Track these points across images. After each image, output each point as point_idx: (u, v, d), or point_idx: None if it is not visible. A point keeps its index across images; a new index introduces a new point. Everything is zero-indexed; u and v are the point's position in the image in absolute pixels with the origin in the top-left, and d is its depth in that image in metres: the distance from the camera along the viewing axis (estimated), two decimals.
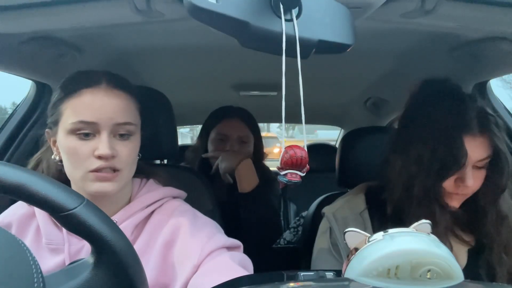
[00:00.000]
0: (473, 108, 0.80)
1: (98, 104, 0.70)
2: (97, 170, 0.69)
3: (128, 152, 0.73)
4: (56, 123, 0.73)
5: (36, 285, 0.36)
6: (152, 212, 0.78)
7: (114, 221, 0.72)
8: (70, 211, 0.42)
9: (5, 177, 0.41)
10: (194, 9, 0.45)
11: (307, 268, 0.98)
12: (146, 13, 0.68)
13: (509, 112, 1.28)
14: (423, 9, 0.67)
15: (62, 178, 0.74)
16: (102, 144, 0.69)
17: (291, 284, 0.55)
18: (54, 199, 0.42)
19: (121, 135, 0.73)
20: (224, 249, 0.74)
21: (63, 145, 0.71)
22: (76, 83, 0.72)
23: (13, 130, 1.22)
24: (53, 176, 0.75)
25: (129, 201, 0.79)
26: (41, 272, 0.38)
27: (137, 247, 0.70)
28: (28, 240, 0.75)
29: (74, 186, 0.74)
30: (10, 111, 1.45)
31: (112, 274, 0.45)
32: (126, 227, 0.74)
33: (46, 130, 0.77)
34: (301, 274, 0.65)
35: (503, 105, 1.29)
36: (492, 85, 1.25)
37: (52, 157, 0.75)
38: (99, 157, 0.69)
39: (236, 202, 1.30)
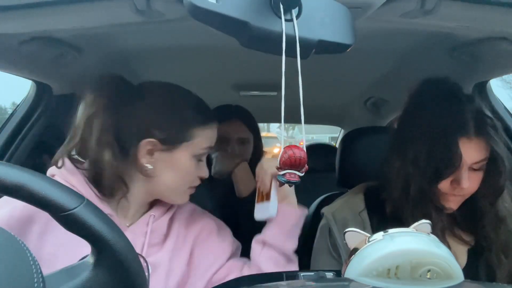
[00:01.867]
0: (470, 109, 0.80)
1: (215, 136, 0.84)
2: (193, 187, 0.83)
3: None
4: (178, 142, 0.77)
5: (36, 285, 0.36)
6: (174, 212, 0.85)
7: (153, 215, 0.79)
8: (70, 211, 0.42)
9: (5, 177, 0.41)
10: (194, 9, 0.45)
11: (307, 268, 0.98)
12: (146, 13, 0.68)
13: (509, 112, 1.28)
14: (423, 9, 0.67)
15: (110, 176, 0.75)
16: (205, 167, 0.83)
17: (291, 284, 0.55)
18: (54, 199, 0.42)
19: None
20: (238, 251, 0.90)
21: (183, 163, 0.78)
22: (208, 115, 0.82)
23: (13, 130, 1.22)
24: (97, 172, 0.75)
25: (156, 201, 0.85)
26: (41, 272, 0.38)
27: (171, 241, 0.80)
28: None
29: (158, 195, 0.81)
30: (10, 111, 1.45)
31: (112, 274, 0.45)
32: (163, 221, 0.81)
33: (149, 140, 0.74)
34: (301, 274, 0.65)
35: (503, 105, 1.29)
36: (492, 85, 1.25)
37: (146, 164, 0.76)
38: (201, 178, 0.83)
39: (234, 205, 1.30)
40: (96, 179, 0.75)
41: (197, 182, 0.83)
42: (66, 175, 0.74)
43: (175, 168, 0.78)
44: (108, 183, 0.74)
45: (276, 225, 0.83)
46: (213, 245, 0.84)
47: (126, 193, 0.77)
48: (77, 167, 0.76)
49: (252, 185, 1.25)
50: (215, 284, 0.77)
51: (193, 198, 0.89)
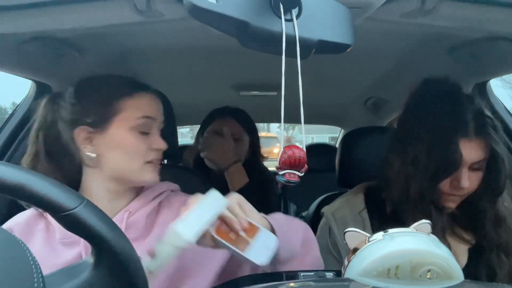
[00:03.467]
0: (470, 109, 0.80)
1: (154, 103, 0.81)
2: (151, 161, 0.79)
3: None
4: (108, 119, 0.76)
5: (36, 285, 0.36)
6: (159, 204, 0.83)
7: (128, 211, 0.78)
8: (70, 211, 0.42)
9: (5, 177, 0.41)
10: (194, 9, 0.45)
11: None
12: (146, 13, 0.68)
13: (509, 112, 1.28)
14: (423, 9, 0.67)
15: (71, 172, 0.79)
16: (158, 138, 0.80)
17: (291, 284, 0.55)
18: (54, 199, 0.42)
19: (161, 131, 0.83)
20: None
21: (122, 138, 0.76)
22: (131, 86, 0.80)
23: (13, 130, 1.22)
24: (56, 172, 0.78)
25: (135, 196, 0.83)
26: (41, 272, 0.38)
27: (154, 236, 0.77)
28: (38, 239, 0.77)
29: (99, 184, 0.79)
30: (10, 111, 1.44)
31: (112, 274, 0.45)
32: (140, 215, 0.79)
33: (80, 128, 0.76)
34: (301, 274, 0.65)
35: (503, 105, 1.29)
36: (492, 85, 1.25)
37: (88, 153, 0.76)
38: (156, 150, 0.80)
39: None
40: None
41: (153, 156, 0.79)
42: None
43: (118, 146, 0.77)
44: None
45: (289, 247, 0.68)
46: None
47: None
48: None
49: (243, 181, 1.36)
50: (230, 271, 0.75)
51: (193, 189, 0.90)
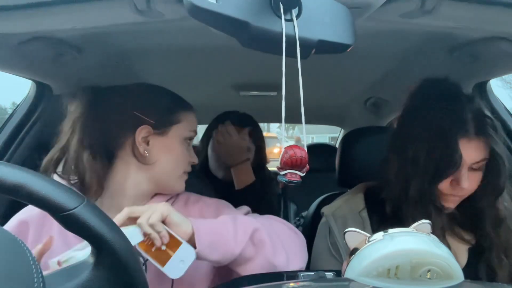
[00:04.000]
0: (470, 110, 0.80)
1: (196, 122, 0.91)
2: (185, 172, 0.87)
3: None
4: (169, 125, 0.84)
5: (36, 285, 0.36)
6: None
7: None
8: (70, 211, 0.43)
9: (5, 177, 0.41)
10: (194, 9, 0.45)
11: (307, 268, 0.98)
12: (146, 13, 0.68)
13: (509, 112, 1.28)
14: (423, 9, 0.67)
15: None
16: (193, 152, 0.90)
17: (291, 284, 0.55)
18: (54, 199, 0.42)
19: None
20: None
21: (176, 146, 0.85)
22: (187, 102, 0.90)
23: (13, 130, 1.21)
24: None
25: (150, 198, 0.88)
26: (41, 272, 0.38)
27: None
28: (54, 232, 0.78)
29: (157, 183, 0.84)
30: (10, 111, 1.45)
31: (112, 274, 0.45)
32: None
33: (144, 126, 0.81)
34: (301, 274, 0.65)
35: (503, 105, 1.29)
36: (492, 85, 1.25)
37: (143, 150, 0.81)
38: (192, 163, 0.89)
39: (234, 199, 1.33)
40: (80, 183, 0.81)
41: (188, 168, 0.88)
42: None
43: (170, 151, 0.84)
44: (87, 185, 0.80)
45: (211, 251, 0.70)
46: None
47: (99, 195, 0.82)
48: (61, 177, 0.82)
49: (249, 179, 1.39)
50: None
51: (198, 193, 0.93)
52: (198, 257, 0.69)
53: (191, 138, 0.89)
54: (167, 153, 0.84)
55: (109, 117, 0.82)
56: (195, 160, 0.89)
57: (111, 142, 0.82)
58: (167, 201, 0.86)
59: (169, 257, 0.67)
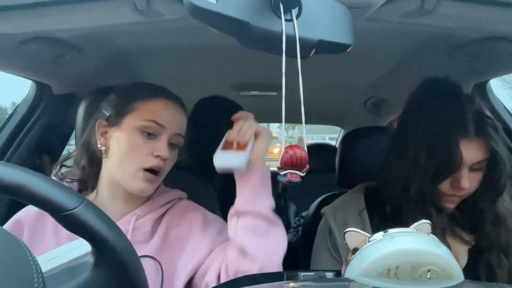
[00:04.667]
0: (470, 110, 0.80)
1: (171, 112, 0.82)
2: (147, 169, 0.78)
3: (172, 160, 0.84)
4: (121, 116, 0.80)
5: (36, 285, 0.36)
6: (165, 211, 0.86)
7: (137, 214, 0.81)
8: (70, 211, 0.42)
9: (5, 177, 0.41)
10: (194, 9, 0.45)
11: (307, 268, 0.98)
12: (146, 13, 0.68)
13: (509, 112, 1.28)
14: (423, 9, 0.67)
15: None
16: (162, 146, 0.79)
17: (291, 284, 0.55)
18: (54, 199, 0.42)
19: (171, 144, 0.82)
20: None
21: (124, 138, 0.79)
22: (154, 91, 0.84)
23: (13, 130, 1.22)
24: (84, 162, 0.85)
25: (146, 200, 0.86)
26: (41, 272, 0.38)
27: (155, 239, 0.81)
28: (47, 232, 0.80)
29: (110, 182, 0.82)
30: (10, 111, 1.45)
31: (112, 274, 0.45)
32: (147, 219, 0.82)
33: (99, 120, 0.82)
34: (301, 274, 0.65)
35: (503, 105, 1.29)
36: (492, 85, 1.25)
37: (99, 145, 0.81)
38: (157, 157, 0.78)
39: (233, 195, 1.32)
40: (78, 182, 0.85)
41: (152, 162, 0.78)
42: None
43: (122, 142, 0.79)
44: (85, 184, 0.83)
45: (246, 188, 0.77)
46: (190, 244, 0.81)
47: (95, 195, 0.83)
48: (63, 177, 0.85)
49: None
50: (198, 282, 0.78)
51: (194, 198, 0.91)
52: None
53: (148, 128, 0.78)
54: (119, 144, 0.79)
55: (89, 116, 0.87)
56: (160, 152, 0.78)
57: (91, 141, 0.84)
58: (162, 205, 0.86)
59: (229, 149, 0.78)
